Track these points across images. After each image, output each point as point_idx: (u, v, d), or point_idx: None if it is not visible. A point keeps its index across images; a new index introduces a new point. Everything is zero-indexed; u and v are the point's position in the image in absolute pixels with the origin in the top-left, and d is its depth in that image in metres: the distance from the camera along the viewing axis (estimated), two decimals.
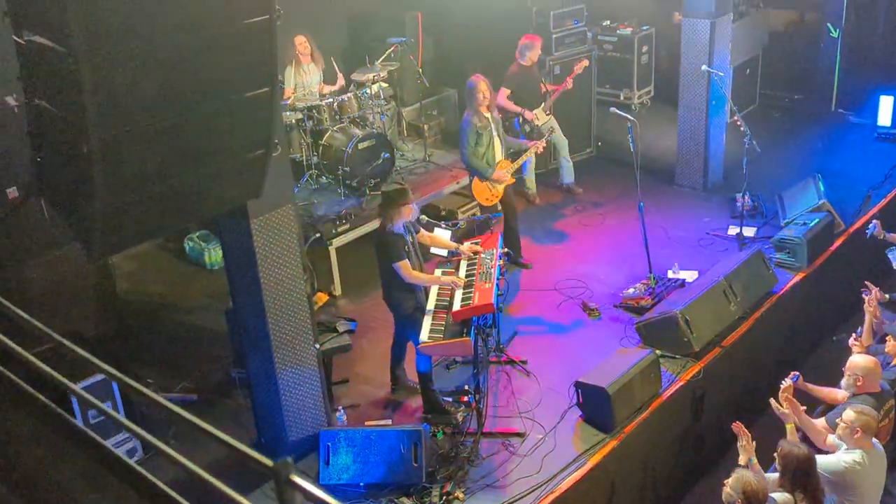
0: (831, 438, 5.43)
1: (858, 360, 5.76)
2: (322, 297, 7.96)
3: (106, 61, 2.68)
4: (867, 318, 6.60)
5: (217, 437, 1.72)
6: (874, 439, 5.23)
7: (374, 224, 8.25)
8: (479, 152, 7.73)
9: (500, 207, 8.03)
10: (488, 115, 7.80)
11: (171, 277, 8.67)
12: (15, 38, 2.62)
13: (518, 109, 9.11)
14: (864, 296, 6.76)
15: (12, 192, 7.67)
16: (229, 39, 2.92)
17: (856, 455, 5.11)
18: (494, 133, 7.82)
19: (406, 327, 6.40)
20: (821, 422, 5.71)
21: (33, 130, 2.87)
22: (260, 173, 3.35)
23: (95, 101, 2.72)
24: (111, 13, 2.60)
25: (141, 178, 2.94)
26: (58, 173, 3.00)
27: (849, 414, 5.19)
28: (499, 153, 7.88)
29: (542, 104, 9.21)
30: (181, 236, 8.90)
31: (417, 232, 6.51)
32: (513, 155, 8.12)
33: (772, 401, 5.66)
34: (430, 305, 6.26)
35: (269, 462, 1.65)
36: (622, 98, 11.49)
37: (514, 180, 8.11)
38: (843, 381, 5.79)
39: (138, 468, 1.98)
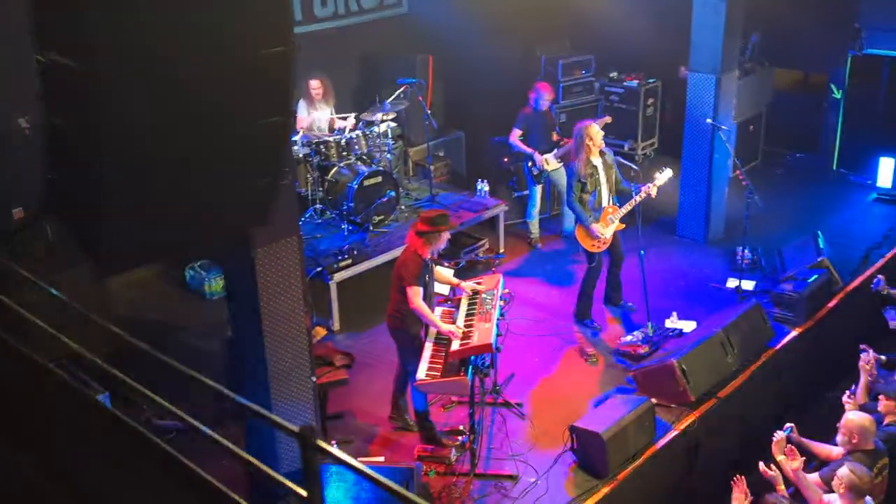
0: (826, 497, 5.43)
1: (854, 417, 5.77)
2: (320, 332, 7.96)
3: (124, 83, 2.74)
4: (863, 377, 6.64)
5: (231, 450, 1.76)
6: (867, 497, 5.24)
7: (377, 261, 8.32)
8: (584, 199, 7.67)
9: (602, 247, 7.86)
10: (598, 160, 7.71)
11: (169, 305, 8.68)
12: (37, 56, 2.68)
13: (529, 150, 9.23)
14: (861, 354, 6.79)
15: (18, 212, 7.73)
16: (247, 68, 3.00)
17: None
18: (602, 179, 7.72)
19: (409, 355, 6.40)
20: (814, 477, 5.70)
21: (49, 148, 2.92)
22: (268, 201, 3.40)
23: (111, 122, 2.79)
24: (133, 37, 2.68)
25: (150, 199, 3.00)
26: (69, 191, 3.06)
27: (844, 471, 5.20)
28: (605, 199, 7.77)
29: (554, 151, 9.31)
30: (182, 264, 8.94)
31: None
32: (623, 198, 7.92)
33: (760, 464, 5.66)
34: (429, 343, 6.28)
35: (294, 427, 1.69)
36: (626, 149, 11.60)
37: (623, 226, 7.88)
38: (839, 438, 5.80)
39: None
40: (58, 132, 2.88)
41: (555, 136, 9.39)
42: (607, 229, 7.74)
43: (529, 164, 9.31)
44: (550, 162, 9.29)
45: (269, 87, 3.09)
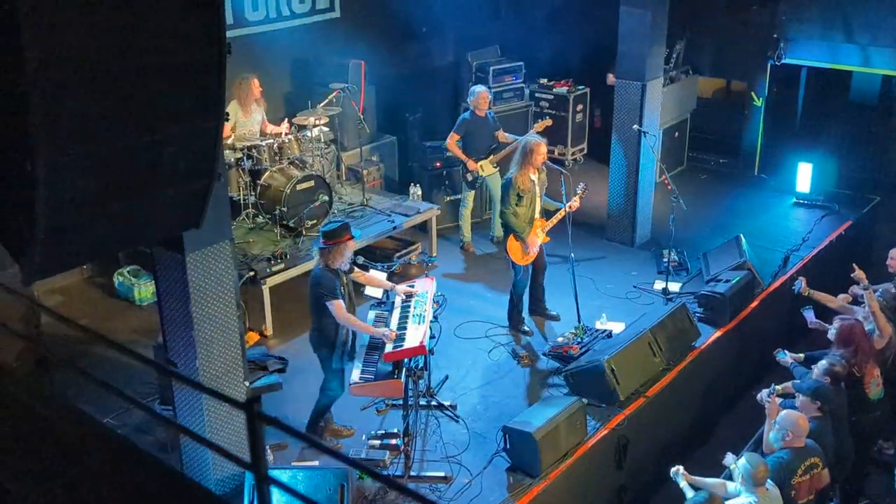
0: (729, 483, 5.73)
1: (786, 415, 5.95)
2: (253, 337, 7.91)
3: (56, 84, 2.72)
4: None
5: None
6: (769, 483, 5.53)
7: (310, 265, 8.28)
8: (518, 212, 7.67)
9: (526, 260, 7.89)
10: (535, 176, 7.74)
11: (98, 312, 8.52)
12: None
13: (463, 157, 9.27)
14: (778, 357, 7.06)
15: None
16: (180, 69, 3.00)
17: (752, 499, 5.42)
18: (537, 192, 7.76)
19: (328, 371, 6.43)
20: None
21: None
22: (201, 203, 3.40)
23: (43, 122, 2.76)
24: (65, 38, 2.66)
25: (83, 200, 2.97)
26: None
27: (741, 461, 5.57)
28: (537, 212, 7.82)
29: (490, 156, 9.37)
30: (111, 271, 8.78)
31: (351, 272, 6.55)
32: (546, 213, 7.94)
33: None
34: (363, 347, 6.30)
35: (240, 400, 1.73)
36: (556, 154, 11.80)
37: (548, 239, 7.97)
38: (773, 435, 5.97)
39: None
40: None
41: (501, 136, 9.39)
42: (536, 243, 7.86)
43: (463, 168, 9.38)
44: (486, 167, 9.37)
45: (201, 88, 3.10)
